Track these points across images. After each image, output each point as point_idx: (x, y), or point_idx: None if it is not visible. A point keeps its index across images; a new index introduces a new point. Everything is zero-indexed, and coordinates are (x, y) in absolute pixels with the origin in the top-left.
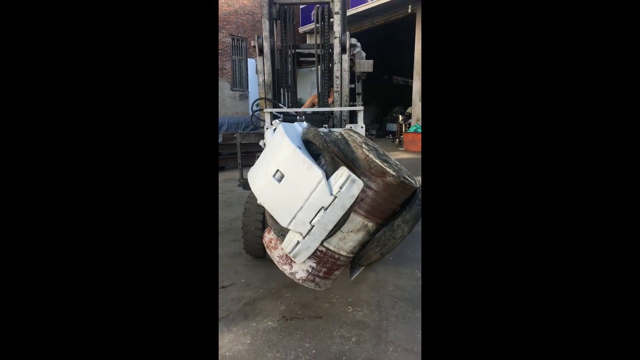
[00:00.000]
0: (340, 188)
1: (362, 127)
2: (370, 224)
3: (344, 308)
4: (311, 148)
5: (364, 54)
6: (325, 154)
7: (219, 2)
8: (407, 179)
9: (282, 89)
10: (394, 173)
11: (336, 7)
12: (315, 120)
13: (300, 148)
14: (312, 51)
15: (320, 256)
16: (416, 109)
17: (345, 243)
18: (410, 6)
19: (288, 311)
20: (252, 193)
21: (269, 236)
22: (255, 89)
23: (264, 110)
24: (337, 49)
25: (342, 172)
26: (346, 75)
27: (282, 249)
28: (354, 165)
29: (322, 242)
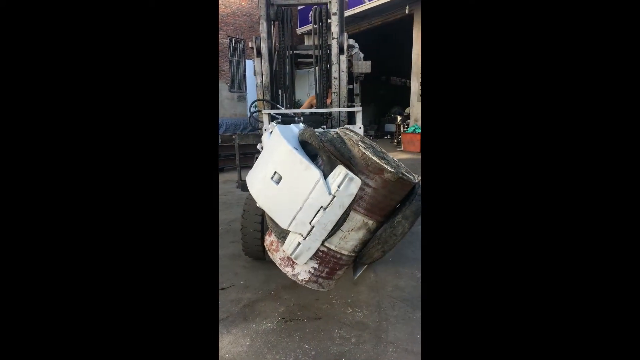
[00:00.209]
0: (339, 187)
1: (360, 128)
2: (370, 222)
3: (344, 309)
4: (308, 149)
5: (361, 55)
6: (322, 153)
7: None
8: (406, 175)
9: (280, 90)
10: (391, 169)
11: (334, 8)
12: (314, 121)
13: (296, 149)
14: (310, 52)
15: (322, 256)
16: (414, 109)
17: (347, 242)
18: (407, 7)
19: (287, 312)
20: (250, 194)
21: (270, 239)
22: (253, 91)
23: (262, 111)
24: (335, 49)
25: (340, 171)
26: (344, 76)
27: (284, 251)
28: (351, 164)
29: (323, 242)
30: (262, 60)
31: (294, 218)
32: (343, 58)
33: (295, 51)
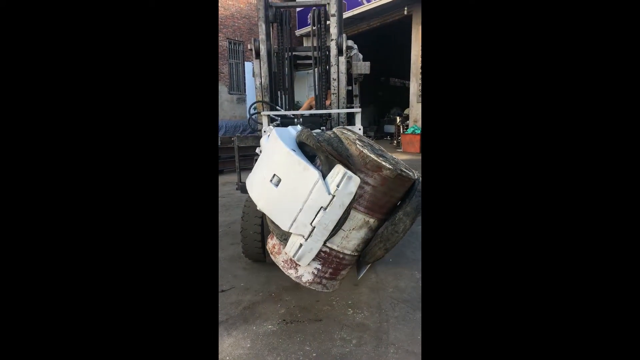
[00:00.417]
0: (338, 186)
1: (359, 129)
2: (371, 220)
3: (344, 310)
4: (306, 150)
5: (360, 56)
6: (320, 153)
7: None
8: (405, 171)
9: (279, 92)
10: (390, 166)
11: (332, 9)
12: (313, 122)
13: (294, 150)
14: (309, 54)
15: (325, 257)
16: (413, 110)
17: (349, 241)
18: (406, 8)
19: (288, 314)
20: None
21: (272, 242)
22: (252, 93)
23: (262, 113)
24: (333, 51)
25: (338, 170)
26: (343, 78)
27: (286, 253)
28: (349, 163)
29: (325, 242)
30: (261, 62)
31: (294, 220)
32: (342, 59)
33: (294, 53)
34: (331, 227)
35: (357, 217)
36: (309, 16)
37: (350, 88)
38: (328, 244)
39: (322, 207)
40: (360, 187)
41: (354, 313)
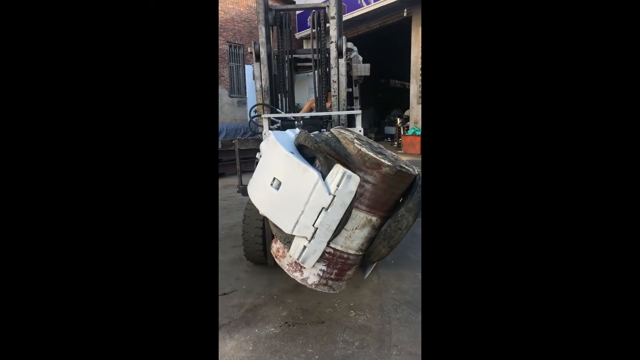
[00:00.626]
0: (338, 186)
1: (360, 131)
2: (374, 218)
3: (347, 312)
4: (305, 152)
5: (360, 58)
6: (318, 154)
7: None
8: (405, 168)
9: (279, 95)
10: (389, 163)
11: (332, 12)
12: (314, 124)
13: (293, 153)
14: (309, 56)
15: (329, 258)
16: (414, 111)
17: (352, 241)
18: (405, 10)
19: (290, 317)
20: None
21: (276, 246)
22: (253, 95)
23: (262, 116)
24: (333, 53)
25: (337, 170)
26: (343, 80)
27: (290, 256)
28: (348, 162)
29: (329, 243)
30: (261, 65)
31: (297, 222)
32: (342, 61)
33: (294, 55)
34: (334, 228)
35: (360, 216)
36: (308, 19)
37: (350, 90)
38: (332, 245)
39: (323, 207)
40: (360, 185)
41: (356, 315)
